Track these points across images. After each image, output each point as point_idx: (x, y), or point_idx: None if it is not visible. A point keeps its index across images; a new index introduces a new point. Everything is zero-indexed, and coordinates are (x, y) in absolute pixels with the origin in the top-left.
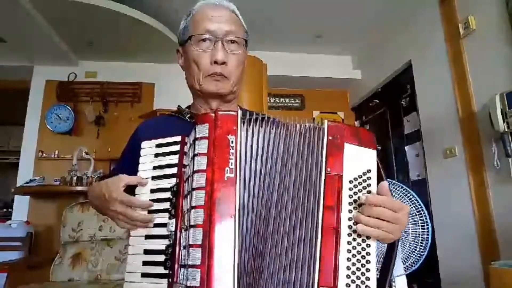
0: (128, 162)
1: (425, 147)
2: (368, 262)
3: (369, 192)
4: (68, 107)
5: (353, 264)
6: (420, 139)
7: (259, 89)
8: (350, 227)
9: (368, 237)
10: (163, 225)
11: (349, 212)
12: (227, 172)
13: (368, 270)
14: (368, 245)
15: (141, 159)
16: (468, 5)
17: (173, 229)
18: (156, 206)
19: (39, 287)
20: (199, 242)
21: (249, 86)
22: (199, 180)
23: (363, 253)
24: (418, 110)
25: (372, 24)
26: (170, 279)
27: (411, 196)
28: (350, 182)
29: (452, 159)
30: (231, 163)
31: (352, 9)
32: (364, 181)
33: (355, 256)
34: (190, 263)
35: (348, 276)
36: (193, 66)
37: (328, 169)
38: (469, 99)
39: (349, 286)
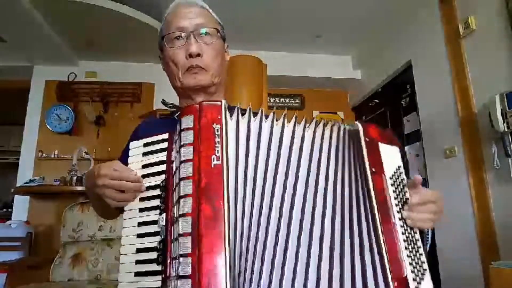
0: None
1: (425, 147)
2: (419, 247)
3: (404, 186)
4: (68, 107)
5: (411, 251)
6: (420, 139)
7: (259, 89)
8: (400, 219)
9: None
10: (155, 222)
11: (396, 206)
12: (213, 160)
13: (421, 254)
14: (415, 232)
15: (129, 159)
16: (468, 5)
17: (163, 223)
18: (146, 204)
19: (39, 287)
20: (189, 231)
21: (249, 86)
22: (186, 170)
23: (414, 239)
24: (418, 110)
25: (372, 24)
26: (163, 275)
27: None
28: (390, 178)
29: (452, 159)
30: (217, 150)
31: (352, 9)
32: (399, 176)
33: (410, 244)
34: (181, 252)
35: (410, 264)
36: (171, 65)
37: (373, 169)
38: (469, 99)
39: (413, 271)
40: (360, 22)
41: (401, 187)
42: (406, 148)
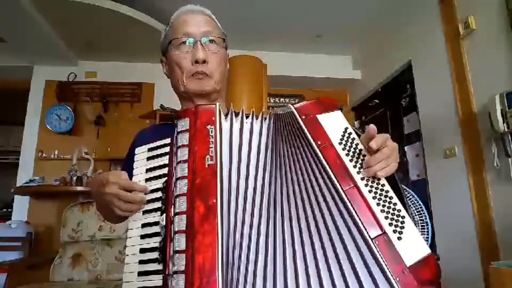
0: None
1: (425, 147)
2: (391, 198)
3: (357, 144)
4: (68, 107)
5: (383, 205)
6: (420, 139)
7: (259, 89)
8: (362, 178)
9: (379, 178)
10: (156, 223)
11: (354, 168)
12: (207, 160)
13: (395, 204)
14: (383, 184)
15: (135, 164)
16: (468, 5)
17: (164, 223)
18: (149, 206)
19: (39, 287)
20: (183, 228)
21: (249, 86)
22: (182, 170)
23: (384, 192)
24: (418, 110)
25: (372, 24)
26: (164, 273)
27: (410, 196)
28: (340, 144)
29: (452, 159)
30: (211, 151)
31: (352, 9)
32: (348, 137)
33: (381, 198)
34: (176, 249)
35: (386, 217)
36: (176, 69)
37: (319, 142)
38: (469, 99)
39: (392, 224)
40: (360, 22)
41: (354, 146)
42: (406, 148)
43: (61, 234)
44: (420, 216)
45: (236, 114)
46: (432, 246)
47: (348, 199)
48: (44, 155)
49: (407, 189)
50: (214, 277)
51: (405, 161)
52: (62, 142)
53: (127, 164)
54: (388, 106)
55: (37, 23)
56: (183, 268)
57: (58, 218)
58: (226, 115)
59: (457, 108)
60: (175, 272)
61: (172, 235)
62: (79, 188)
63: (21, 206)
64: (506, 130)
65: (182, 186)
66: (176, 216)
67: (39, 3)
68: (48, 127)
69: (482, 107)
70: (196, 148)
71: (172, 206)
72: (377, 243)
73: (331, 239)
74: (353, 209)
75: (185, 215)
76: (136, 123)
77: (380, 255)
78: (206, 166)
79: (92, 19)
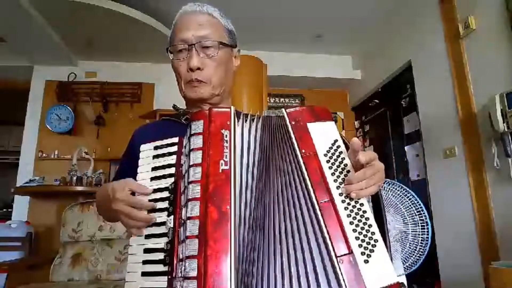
0: (126, 168)
1: (425, 147)
2: (367, 219)
3: (343, 159)
4: (68, 107)
5: (357, 225)
6: (420, 139)
7: (259, 89)
8: (341, 194)
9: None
10: (163, 223)
11: (335, 182)
12: (222, 165)
13: (370, 226)
14: (362, 204)
15: (140, 162)
16: (468, 5)
17: (171, 225)
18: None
19: (39, 287)
20: (196, 233)
21: (249, 86)
22: (195, 173)
23: (361, 212)
24: (418, 110)
25: (372, 24)
26: (170, 276)
27: (411, 196)
28: (325, 155)
29: (452, 159)
30: (226, 156)
31: (352, 9)
32: (336, 150)
33: (356, 217)
34: (187, 254)
35: (357, 238)
36: (176, 75)
37: (303, 150)
38: (469, 99)
39: (361, 246)
40: (360, 22)
41: (340, 160)
42: (406, 148)
43: (61, 234)
44: (420, 216)
45: (246, 117)
46: (432, 246)
47: (321, 212)
48: (44, 155)
49: (407, 189)
50: (226, 284)
51: (405, 161)
52: (62, 142)
53: (127, 161)
54: (388, 106)
55: (37, 23)
56: (195, 274)
57: (58, 218)
58: (238, 118)
59: (457, 108)
60: (186, 278)
61: (182, 239)
62: (79, 188)
63: (21, 206)
64: (506, 130)
65: (194, 190)
66: (188, 221)
67: (39, 3)
68: (48, 127)
69: (482, 107)
70: (210, 152)
71: (183, 210)
72: (341, 262)
73: (302, 249)
74: (324, 223)
75: (197, 220)
76: (136, 123)
77: (342, 275)
78: (220, 171)
79: (92, 19)
